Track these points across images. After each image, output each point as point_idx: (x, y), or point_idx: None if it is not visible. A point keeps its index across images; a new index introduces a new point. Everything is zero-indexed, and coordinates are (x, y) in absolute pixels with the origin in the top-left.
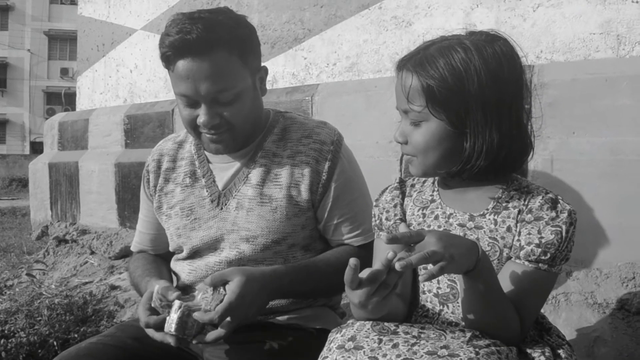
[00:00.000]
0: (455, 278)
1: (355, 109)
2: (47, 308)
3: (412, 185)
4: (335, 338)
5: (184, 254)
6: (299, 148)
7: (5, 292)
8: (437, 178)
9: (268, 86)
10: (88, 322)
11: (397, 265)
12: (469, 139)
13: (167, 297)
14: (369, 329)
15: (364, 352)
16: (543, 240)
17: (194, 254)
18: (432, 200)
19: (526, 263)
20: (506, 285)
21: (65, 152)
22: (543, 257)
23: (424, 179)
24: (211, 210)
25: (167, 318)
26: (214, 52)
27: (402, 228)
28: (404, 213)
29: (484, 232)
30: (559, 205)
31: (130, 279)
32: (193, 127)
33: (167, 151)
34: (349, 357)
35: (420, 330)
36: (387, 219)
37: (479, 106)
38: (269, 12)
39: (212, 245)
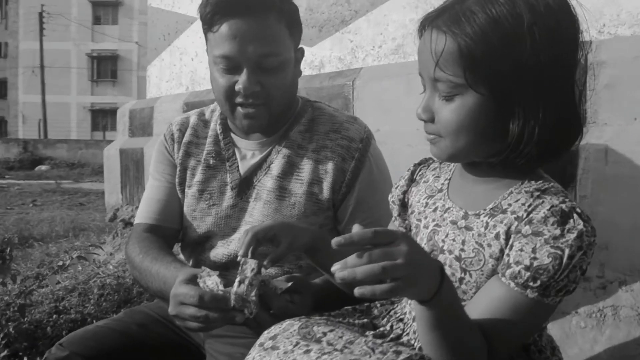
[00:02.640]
0: None
1: (396, 94)
2: (98, 287)
3: (434, 169)
4: (263, 334)
5: (193, 237)
6: (325, 142)
7: (70, 270)
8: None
9: (315, 71)
10: (129, 303)
11: (337, 275)
12: (516, 119)
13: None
14: (294, 330)
15: (278, 353)
16: (535, 263)
17: (204, 240)
18: (440, 190)
19: (512, 285)
20: (484, 305)
21: (134, 138)
22: (531, 284)
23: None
24: (231, 198)
25: (235, 284)
26: (265, 13)
27: (355, 228)
28: (403, 201)
29: (472, 235)
30: (570, 221)
31: (134, 262)
32: (229, 97)
33: (191, 124)
34: (264, 356)
35: (348, 343)
36: (393, 202)
37: (531, 75)
38: None
39: (227, 234)
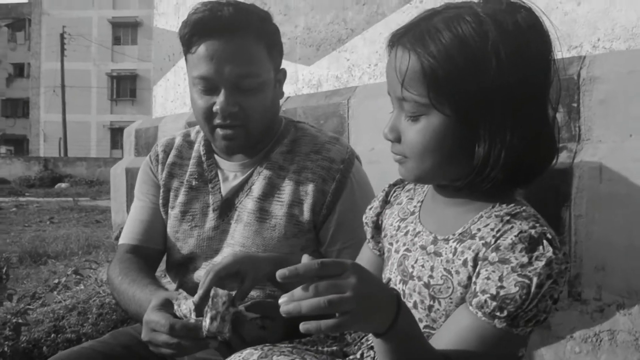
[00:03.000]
0: None
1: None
2: (97, 307)
3: (408, 190)
4: None
5: (176, 259)
6: (306, 163)
7: (73, 289)
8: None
9: (313, 90)
10: (126, 323)
11: (281, 309)
12: (482, 141)
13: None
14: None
15: None
16: (502, 292)
17: (188, 262)
18: (412, 213)
19: (479, 314)
20: (451, 335)
21: (140, 157)
22: (498, 314)
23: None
24: (213, 220)
25: (207, 319)
26: (243, 34)
27: (303, 259)
28: (377, 223)
29: (441, 261)
30: (539, 248)
31: (114, 284)
32: (207, 118)
33: (176, 145)
34: None
35: None
36: (366, 224)
37: (497, 96)
38: (315, 13)
39: (210, 255)
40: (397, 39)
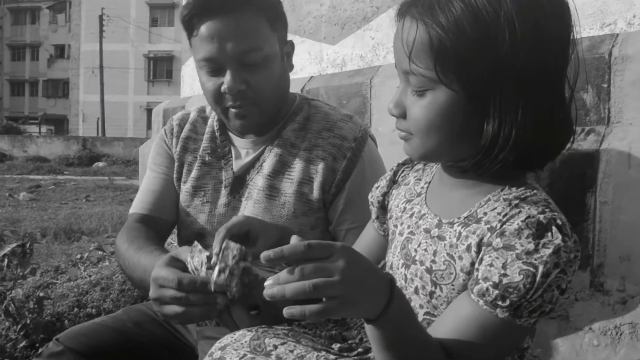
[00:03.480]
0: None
1: None
2: (119, 283)
3: (417, 170)
4: (215, 344)
5: (185, 233)
6: (317, 141)
7: (98, 265)
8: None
9: (337, 69)
10: (145, 299)
11: (265, 292)
12: (491, 119)
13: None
14: (245, 341)
15: None
16: (504, 280)
17: (198, 238)
18: (419, 194)
19: (480, 302)
20: (451, 323)
21: None
22: (500, 303)
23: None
24: (225, 196)
25: (216, 272)
26: (242, 10)
27: (292, 239)
28: (383, 203)
29: (444, 245)
30: (547, 235)
31: (120, 251)
32: (217, 99)
33: (191, 119)
34: None
35: (298, 358)
36: (371, 204)
37: (509, 73)
38: None
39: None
40: (406, 9)
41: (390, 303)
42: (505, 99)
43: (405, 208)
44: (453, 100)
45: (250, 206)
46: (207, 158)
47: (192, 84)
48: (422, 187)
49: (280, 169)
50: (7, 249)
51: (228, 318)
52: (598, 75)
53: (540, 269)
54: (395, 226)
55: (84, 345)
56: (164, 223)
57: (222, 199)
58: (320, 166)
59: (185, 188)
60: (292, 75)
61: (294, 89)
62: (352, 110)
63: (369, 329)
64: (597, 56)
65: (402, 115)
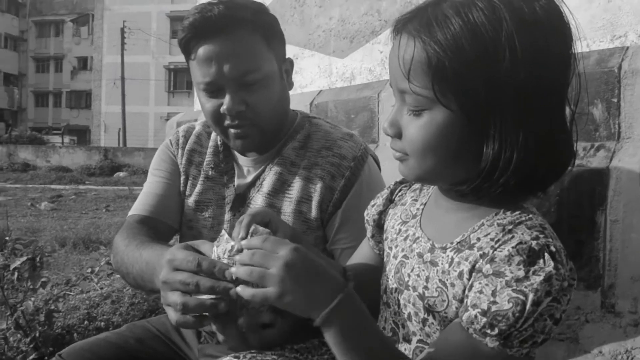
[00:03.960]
0: (398, 321)
1: None
2: (128, 296)
3: (414, 190)
4: None
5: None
6: (317, 160)
7: (112, 277)
8: None
9: (346, 83)
10: (155, 313)
11: (229, 269)
12: (491, 141)
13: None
14: None
15: None
16: (493, 308)
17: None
18: (414, 216)
19: (470, 330)
20: (441, 350)
21: None
22: (489, 331)
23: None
24: (226, 213)
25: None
26: (237, 30)
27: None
28: (379, 222)
29: (437, 271)
30: (539, 261)
31: (118, 248)
32: (217, 120)
33: (196, 132)
34: None
35: None
36: (367, 222)
37: (509, 92)
38: (349, 4)
39: None
40: (402, 25)
41: (333, 312)
42: (505, 119)
43: (400, 230)
44: (451, 121)
45: None
46: (210, 172)
47: None
48: (418, 209)
49: (279, 188)
50: (18, 262)
51: (233, 331)
52: (608, 90)
53: (531, 297)
54: (390, 248)
55: None
56: (165, 227)
57: (224, 216)
58: (318, 185)
59: (189, 202)
60: (302, 89)
61: (304, 102)
62: (360, 124)
63: (324, 334)
64: (607, 70)
65: (398, 135)
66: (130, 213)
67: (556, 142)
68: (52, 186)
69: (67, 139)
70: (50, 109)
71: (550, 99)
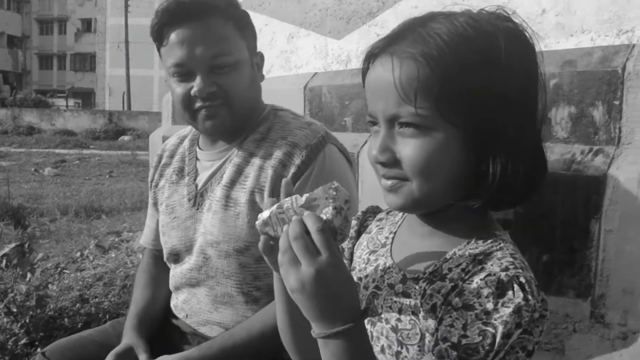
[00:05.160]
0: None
1: None
2: (120, 279)
3: (379, 219)
4: None
5: (166, 255)
6: (272, 150)
7: (105, 256)
8: None
9: (342, 66)
10: None
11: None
12: (495, 160)
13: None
14: None
15: None
16: (463, 342)
17: (176, 257)
18: (384, 245)
19: None
20: None
21: (176, 126)
22: None
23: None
24: (188, 209)
25: (332, 219)
26: (210, 17)
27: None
28: (350, 254)
29: (409, 303)
30: (508, 293)
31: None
32: (187, 104)
33: (170, 147)
34: None
35: None
36: (344, 256)
37: (506, 106)
38: None
39: (189, 248)
40: (384, 49)
41: (337, 335)
42: (505, 134)
43: (369, 259)
44: (452, 137)
45: (210, 218)
46: (174, 177)
47: None
48: (387, 237)
49: (236, 179)
50: (6, 249)
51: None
52: (610, 91)
53: (500, 329)
54: (360, 279)
55: None
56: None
57: (186, 213)
58: (270, 174)
59: (161, 209)
60: (297, 70)
61: (297, 85)
62: (354, 111)
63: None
64: (610, 70)
65: (391, 161)
66: (141, 241)
67: (537, 154)
68: (57, 150)
69: (71, 102)
70: (54, 71)
71: (534, 111)
